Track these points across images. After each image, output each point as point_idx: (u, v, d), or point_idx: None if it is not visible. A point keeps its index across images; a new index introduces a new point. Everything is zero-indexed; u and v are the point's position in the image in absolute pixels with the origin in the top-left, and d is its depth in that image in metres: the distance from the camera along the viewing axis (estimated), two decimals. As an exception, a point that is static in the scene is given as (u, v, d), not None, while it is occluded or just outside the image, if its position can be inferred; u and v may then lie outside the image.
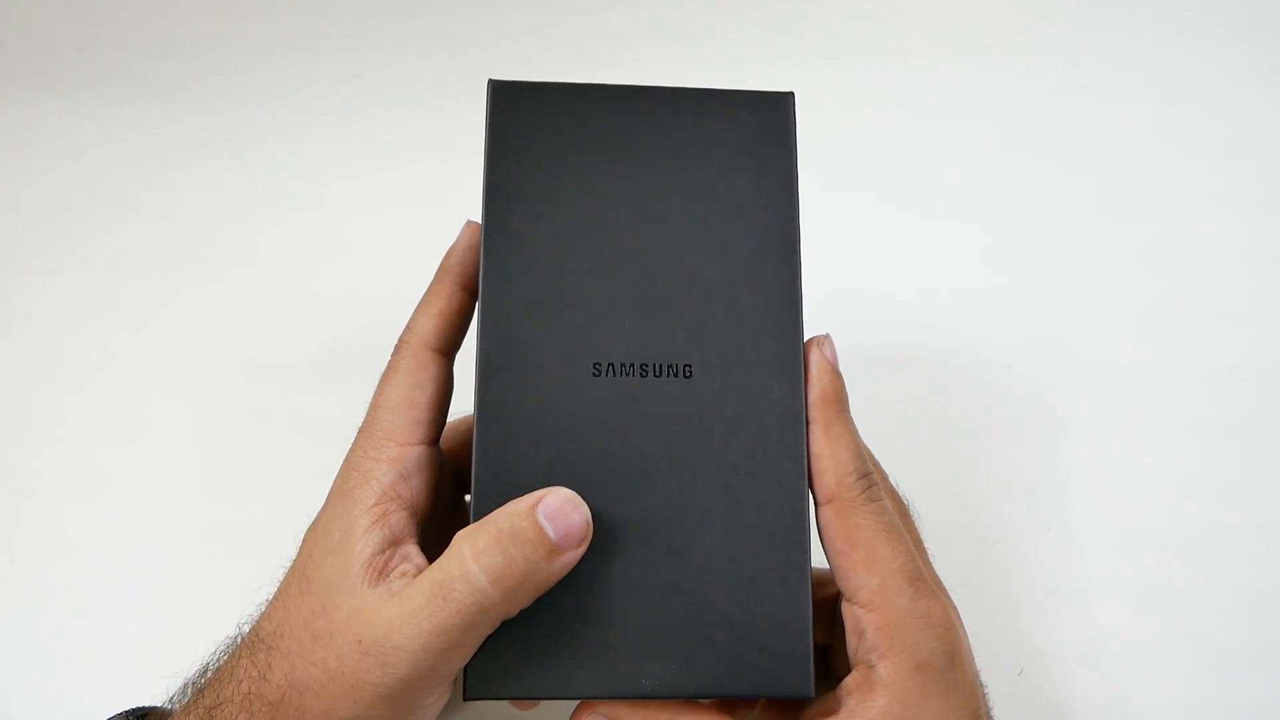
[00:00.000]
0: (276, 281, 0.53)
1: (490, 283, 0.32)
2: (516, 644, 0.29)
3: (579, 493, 0.30)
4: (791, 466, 0.31)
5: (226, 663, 0.32)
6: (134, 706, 0.35)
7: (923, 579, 0.31)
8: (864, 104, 0.57)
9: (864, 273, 0.53)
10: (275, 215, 0.55)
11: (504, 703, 0.40)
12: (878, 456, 0.35)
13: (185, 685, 0.33)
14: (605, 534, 0.30)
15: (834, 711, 0.30)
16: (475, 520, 0.30)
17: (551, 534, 0.29)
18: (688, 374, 0.31)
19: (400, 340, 0.34)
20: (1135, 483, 0.48)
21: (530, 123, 0.33)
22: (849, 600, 0.31)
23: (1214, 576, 0.46)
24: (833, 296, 0.51)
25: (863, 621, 0.30)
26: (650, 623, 0.30)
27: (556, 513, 0.29)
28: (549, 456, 0.31)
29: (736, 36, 0.60)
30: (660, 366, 0.31)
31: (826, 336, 0.33)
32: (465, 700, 0.30)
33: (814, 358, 0.32)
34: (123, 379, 0.51)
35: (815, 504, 0.32)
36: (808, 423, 0.31)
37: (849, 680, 0.30)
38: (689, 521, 0.31)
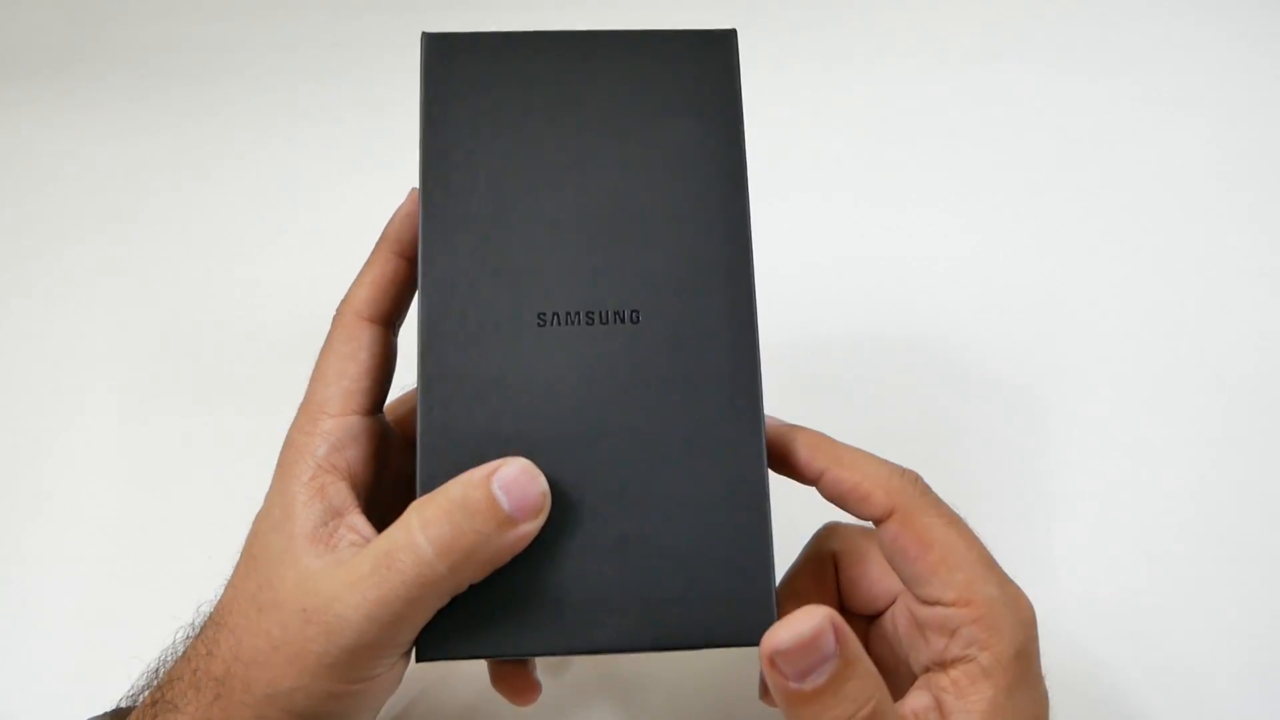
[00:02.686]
0: (247, 273, 0.53)
1: (430, 240, 0.31)
2: (468, 604, 0.28)
3: (528, 446, 0.29)
4: (747, 410, 0.30)
5: (184, 646, 0.31)
6: (108, 709, 0.34)
7: (997, 565, 0.30)
8: (856, 106, 0.57)
9: (848, 272, 0.52)
10: (240, 211, 0.55)
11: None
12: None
13: (147, 672, 0.33)
14: (557, 487, 0.29)
15: None
16: (421, 482, 0.29)
17: (505, 505, 0.28)
18: (635, 319, 0.30)
19: (335, 312, 0.33)
20: (1132, 479, 0.47)
21: (466, 75, 0.32)
22: (931, 604, 0.29)
23: (1211, 573, 0.45)
24: (813, 293, 0.50)
25: (953, 619, 0.29)
26: (605, 576, 0.29)
27: (512, 483, 0.28)
28: (495, 410, 0.30)
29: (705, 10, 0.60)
30: (607, 314, 0.30)
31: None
32: (417, 662, 0.29)
33: (777, 428, 0.32)
34: (90, 387, 0.51)
35: (874, 522, 0.31)
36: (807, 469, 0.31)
37: (945, 682, 0.29)
38: (642, 470, 0.29)
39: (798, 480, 0.32)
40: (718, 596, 0.29)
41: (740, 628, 0.29)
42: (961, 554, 0.29)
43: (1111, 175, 0.55)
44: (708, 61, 0.32)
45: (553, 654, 0.29)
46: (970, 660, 0.28)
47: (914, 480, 0.31)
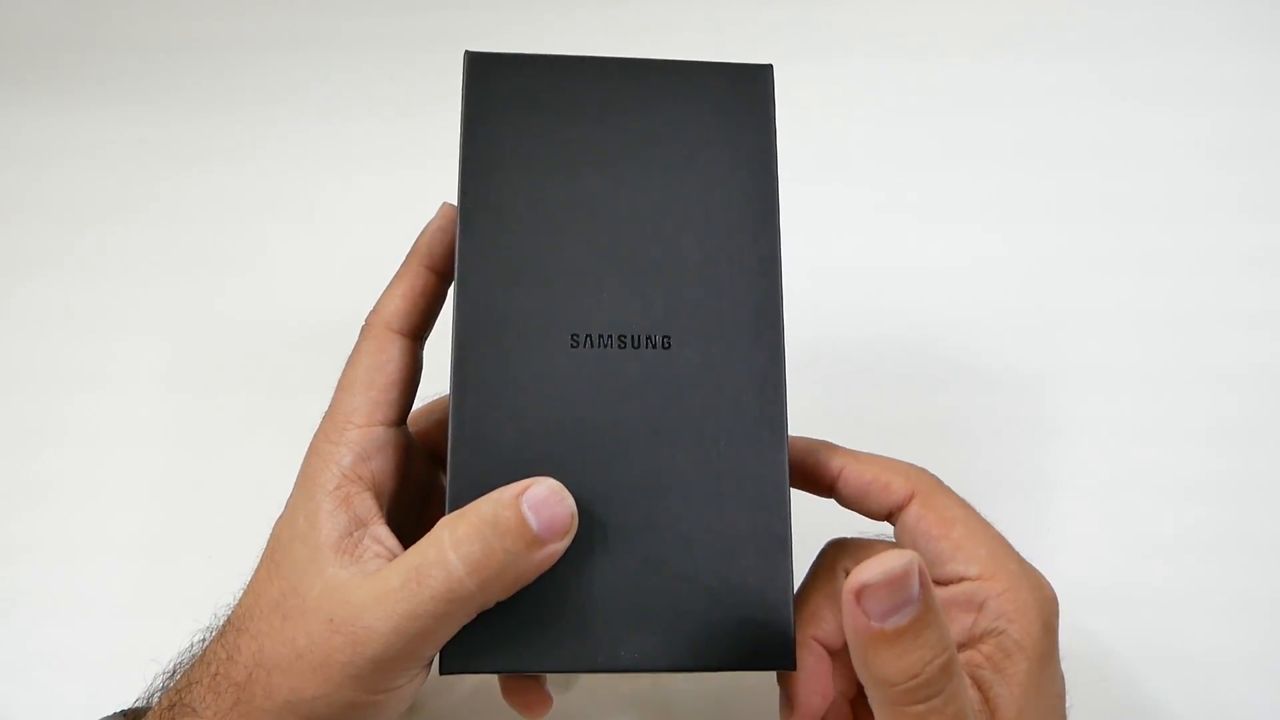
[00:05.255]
0: (261, 282, 0.53)
1: (466, 256, 0.31)
2: (493, 618, 0.29)
3: (557, 465, 0.30)
4: (772, 437, 0.30)
5: (201, 649, 0.31)
6: (123, 709, 0.34)
7: (1012, 547, 0.31)
8: (858, 103, 0.58)
9: (855, 273, 0.53)
10: (258, 218, 0.55)
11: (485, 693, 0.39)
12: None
13: (163, 674, 0.33)
14: (584, 507, 0.29)
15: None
16: (451, 496, 0.30)
17: (535, 525, 0.28)
18: (666, 345, 0.31)
19: (364, 323, 0.34)
20: (1133, 484, 0.47)
21: (506, 95, 0.33)
22: (955, 581, 0.30)
23: (1211, 579, 0.45)
24: (822, 295, 0.51)
25: (979, 593, 0.30)
26: (629, 596, 0.29)
27: (541, 504, 0.28)
28: (526, 428, 0.30)
29: (725, 28, 0.60)
30: (638, 338, 0.31)
31: None
32: (441, 674, 0.29)
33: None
34: (106, 378, 0.51)
35: (887, 517, 0.32)
36: (816, 457, 0.32)
37: (979, 658, 0.29)
38: (668, 494, 0.30)
39: (814, 488, 0.33)
40: (738, 620, 0.29)
41: (759, 652, 0.29)
42: (983, 531, 0.31)
43: (1123, 180, 0.55)
44: (744, 94, 0.33)
45: (575, 671, 0.29)
46: (1001, 633, 0.29)
47: (927, 471, 0.32)
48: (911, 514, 0.31)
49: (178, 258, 0.54)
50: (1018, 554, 0.31)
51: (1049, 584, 0.30)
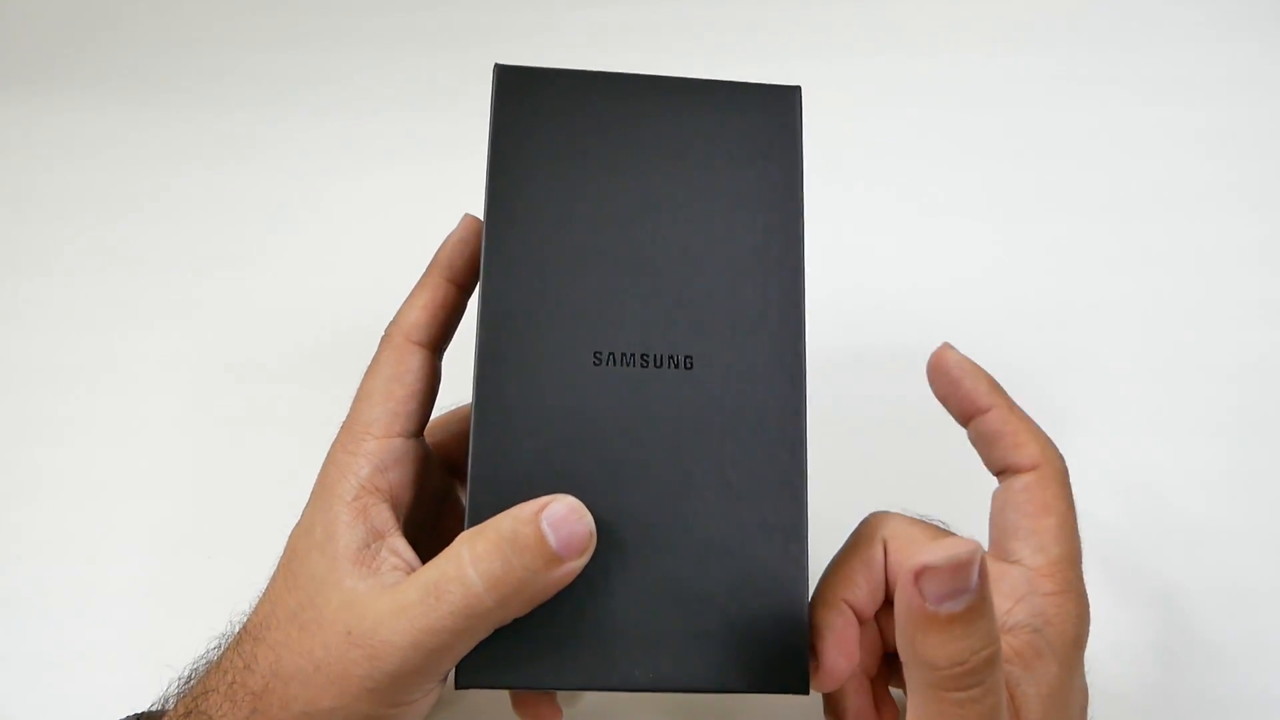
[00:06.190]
0: (275, 281, 0.53)
1: (491, 271, 0.31)
2: (510, 633, 0.29)
3: (576, 482, 0.30)
4: (791, 460, 0.30)
5: (217, 656, 0.32)
6: (137, 711, 0.35)
7: (1081, 564, 0.31)
8: (867, 101, 0.58)
9: (866, 272, 0.53)
10: (273, 215, 0.55)
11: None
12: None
13: (178, 680, 0.33)
14: (602, 525, 0.29)
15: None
16: (470, 511, 0.30)
17: (553, 542, 0.28)
18: (689, 365, 0.31)
19: (384, 334, 0.34)
20: (1139, 482, 0.48)
21: (535, 110, 0.33)
22: (1015, 562, 0.31)
23: (1217, 576, 0.45)
24: (834, 295, 0.50)
25: (1031, 584, 0.30)
26: (646, 615, 0.29)
27: (560, 521, 0.28)
28: (546, 445, 0.30)
29: (742, 31, 0.60)
30: (661, 357, 0.31)
31: (946, 344, 0.33)
32: (456, 689, 0.29)
33: (955, 357, 0.33)
34: (118, 379, 0.51)
35: (1000, 473, 0.32)
36: (979, 410, 0.32)
37: (1005, 651, 0.29)
38: (687, 514, 0.30)
39: (957, 412, 0.33)
40: (753, 642, 0.29)
41: (773, 675, 0.29)
42: (1068, 535, 0.31)
43: (1128, 175, 0.55)
44: (772, 115, 0.33)
45: (590, 689, 0.30)
46: (1036, 631, 0.29)
47: (1062, 458, 0.32)
48: (1019, 484, 0.31)
49: (190, 254, 0.54)
50: (1081, 570, 0.31)
51: (1089, 609, 0.31)
